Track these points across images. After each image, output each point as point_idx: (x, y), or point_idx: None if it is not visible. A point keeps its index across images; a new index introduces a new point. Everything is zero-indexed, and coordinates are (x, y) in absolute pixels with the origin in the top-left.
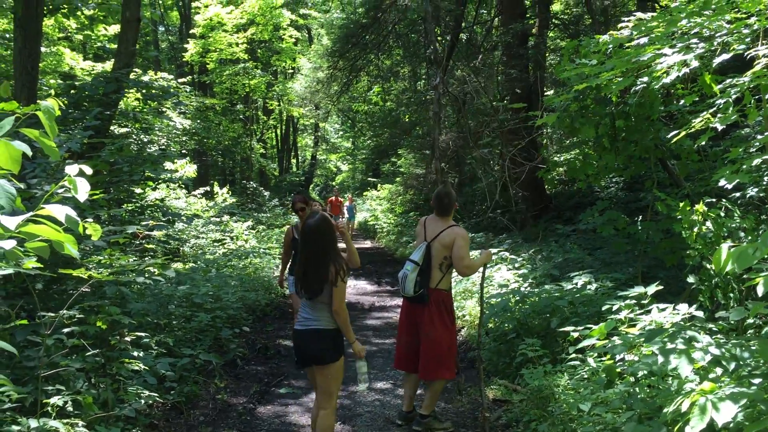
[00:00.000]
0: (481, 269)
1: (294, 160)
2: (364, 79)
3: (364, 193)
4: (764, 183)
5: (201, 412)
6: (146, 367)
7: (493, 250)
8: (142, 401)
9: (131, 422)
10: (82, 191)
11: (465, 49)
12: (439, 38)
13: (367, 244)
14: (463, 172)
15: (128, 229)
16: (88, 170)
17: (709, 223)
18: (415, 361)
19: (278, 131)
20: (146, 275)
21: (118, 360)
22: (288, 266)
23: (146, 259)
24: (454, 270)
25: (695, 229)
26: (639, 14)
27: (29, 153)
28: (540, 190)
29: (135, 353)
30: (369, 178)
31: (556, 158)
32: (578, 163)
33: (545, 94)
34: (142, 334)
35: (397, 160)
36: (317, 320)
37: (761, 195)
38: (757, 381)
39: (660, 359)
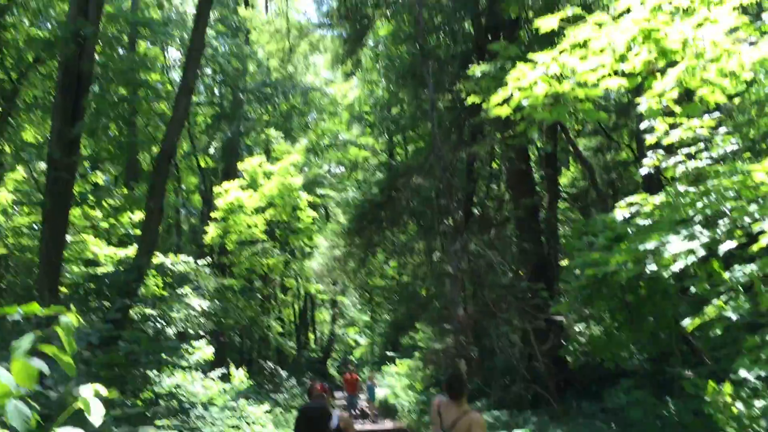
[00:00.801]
0: None
1: (312, 336)
2: (380, 255)
3: (383, 368)
4: None
5: None
6: None
7: (519, 431)
8: None
9: None
10: (97, 415)
11: (478, 224)
12: (452, 213)
13: (388, 424)
14: (483, 346)
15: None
16: (104, 391)
17: (739, 404)
18: None
19: (296, 307)
20: None
21: None
22: None
23: None
24: None
25: (726, 412)
26: (632, 198)
27: (47, 371)
28: (561, 364)
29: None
30: (388, 352)
31: (578, 332)
32: (602, 342)
33: (559, 263)
34: None
35: (415, 335)
36: None
37: None
38: None
39: None
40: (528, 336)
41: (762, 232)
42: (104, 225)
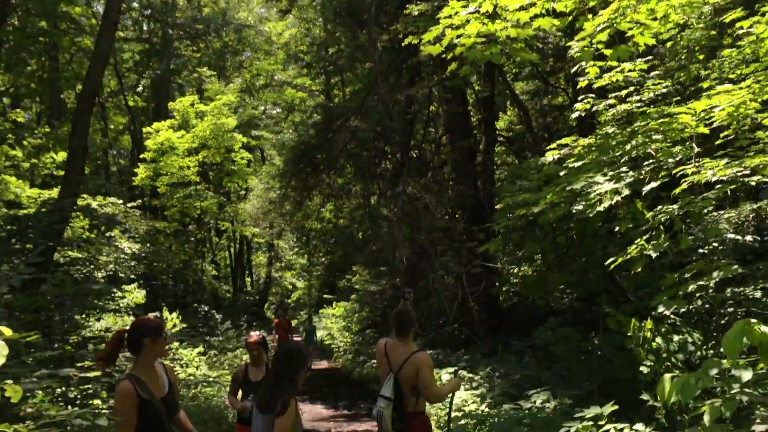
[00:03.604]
0: (449, 396)
1: (248, 279)
2: (317, 198)
3: (321, 311)
4: (710, 296)
5: None
6: None
7: (450, 369)
8: None
9: None
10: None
11: (415, 166)
12: (389, 156)
13: (324, 364)
14: (418, 288)
15: (61, 373)
16: (7, 332)
17: (658, 339)
18: None
19: (232, 250)
20: (83, 419)
21: None
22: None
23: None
24: None
25: (645, 345)
26: (563, 141)
27: None
28: (494, 304)
29: None
30: (325, 295)
31: (510, 273)
32: (532, 282)
33: (495, 206)
34: None
35: (352, 277)
36: None
37: (707, 307)
38: None
39: None
40: (462, 278)
41: (684, 175)
42: (26, 165)
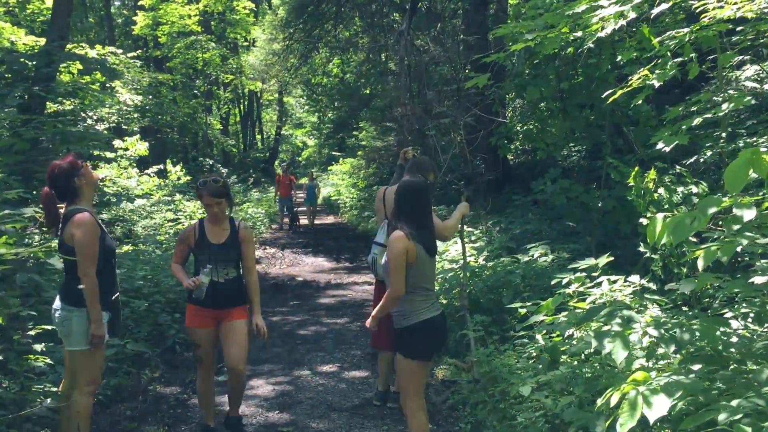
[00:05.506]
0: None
1: (259, 136)
2: (323, 51)
3: (329, 168)
4: (719, 147)
5: (129, 406)
6: (51, 362)
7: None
8: (48, 399)
9: (43, 422)
10: None
11: (425, 18)
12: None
13: (330, 219)
14: (425, 144)
15: (25, 213)
16: None
17: (661, 190)
18: (390, 338)
19: (241, 106)
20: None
21: (23, 356)
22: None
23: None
24: None
25: (647, 197)
26: None
27: None
28: (497, 158)
29: (39, 348)
30: (334, 153)
31: (518, 127)
32: (535, 129)
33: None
34: (50, 326)
35: (359, 134)
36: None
37: (715, 159)
38: (696, 367)
39: (594, 343)
40: (471, 135)
41: (704, 11)
42: (18, 11)
